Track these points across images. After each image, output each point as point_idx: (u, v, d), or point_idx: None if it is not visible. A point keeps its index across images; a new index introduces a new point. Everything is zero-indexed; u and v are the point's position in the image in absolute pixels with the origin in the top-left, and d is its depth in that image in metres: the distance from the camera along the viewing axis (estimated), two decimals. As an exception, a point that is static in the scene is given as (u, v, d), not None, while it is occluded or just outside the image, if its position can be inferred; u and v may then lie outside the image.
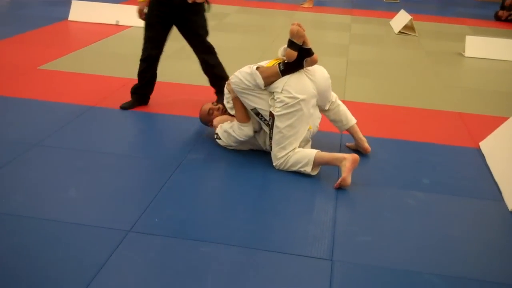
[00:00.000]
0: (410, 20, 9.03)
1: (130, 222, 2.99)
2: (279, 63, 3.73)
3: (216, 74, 4.89)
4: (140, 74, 4.83)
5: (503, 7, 11.47)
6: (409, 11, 9.72)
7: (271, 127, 3.73)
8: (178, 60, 6.43)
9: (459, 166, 4.02)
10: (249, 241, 2.89)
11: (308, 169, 3.66)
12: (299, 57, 3.68)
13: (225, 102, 4.03)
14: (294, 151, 3.70)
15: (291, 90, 3.65)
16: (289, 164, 3.70)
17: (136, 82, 4.87)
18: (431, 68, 6.91)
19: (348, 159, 3.59)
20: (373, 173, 3.80)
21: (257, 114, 3.79)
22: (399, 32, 9.10)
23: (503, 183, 3.67)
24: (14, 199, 3.17)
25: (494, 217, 3.35)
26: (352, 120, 4.17)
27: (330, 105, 4.11)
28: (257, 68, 3.73)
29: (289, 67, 3.70)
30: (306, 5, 11.54)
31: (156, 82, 4.98)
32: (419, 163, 4.02)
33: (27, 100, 4.83)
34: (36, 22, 8.14)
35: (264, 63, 3.85)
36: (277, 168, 3.75)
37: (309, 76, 3.77)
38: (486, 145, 4.27)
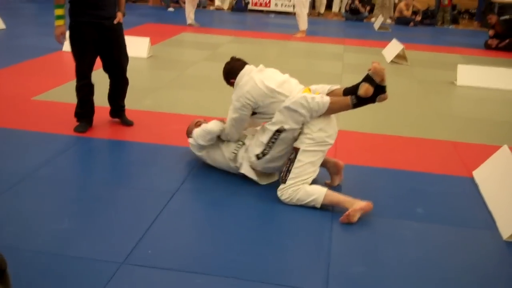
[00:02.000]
0: (402, 50, 9.14)
1: (124, 254, 2.98)
2: (351, 96, 3.74)
3: (120, 104, 5.16)
4: (84, 99, 4.91)
5: (493, 36, 11.63)
6: (401, 40, 9.85)
7: (291, 160, 3.70)
8: (172, 90, 6.46)
9: (453, 196, 4.03)
10: (244, 272, 2.88)
11: (317, 205, 3.63)
12: (374, 93, 3.73)
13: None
14: (304, 185, 3.67)
15: (328, 131, 3.71)
16: (295, 197, 3.66)
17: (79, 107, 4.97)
18: (424, 97, 6.97)
19: (358, 203, 3.54)
20: (367, 196, 3.80)
21: (279, 132, 3.74)
22: (392, 61, 9.20)
23: (497, 212, 3.69)
24: (7, 231, 3.16)
25: (488, 246, 3.35)
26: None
27: None
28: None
29: (362, 101, 3.74)
30: (298, 35, 11.66)
31: (151, 112, 5.01)
32: (413, 193, 4.03)
33: (21, 131, 4.83)
34: (30, 53, 8.18)
35: (298, 89, 3.87)
36: (282, 198, 3.69)
37: (336, 121, 3.85)
38: (480, 174, 4.30)
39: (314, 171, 3.73)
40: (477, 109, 6.54)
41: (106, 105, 5.30)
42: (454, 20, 16.15)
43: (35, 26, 11.46)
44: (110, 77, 5.08)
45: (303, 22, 11.66)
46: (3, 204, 3.49)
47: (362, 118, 5.83)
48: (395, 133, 5.39)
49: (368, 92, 3.71)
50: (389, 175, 4.35)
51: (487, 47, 11.56)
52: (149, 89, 6.47)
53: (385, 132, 5.41)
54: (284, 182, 3.70)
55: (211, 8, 16.78)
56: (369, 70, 3.73)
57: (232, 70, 4.05)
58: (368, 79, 3.72)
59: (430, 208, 3.78)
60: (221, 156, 4.09)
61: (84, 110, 4.96)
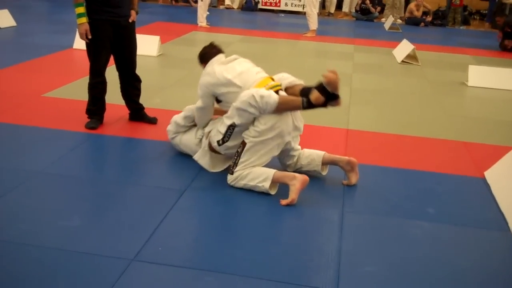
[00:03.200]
0: (413, 50, 9.11)
1: (134, 251, 2.98)
2: (303, 98, 3.76)
3: (138, 105, 5.20)
4: (97, 96, 4.95)
5: (504, 38, 11.53)
6: (411, 40, 9.81)
7: (238, 154, 3.82)
8: (182, 88, 6.47)
9: (464, 196, 4.01)
10: (253, 271, 2.88)
11: (266, 185, 3.71)
12: (326, 99, 3.75)
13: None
14: (252, 168, 3.79)
15: (279, 127, 3.75)
16: (246, 179, 3.76)
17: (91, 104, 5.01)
18: (434, 97, 6.94)
19: (298, 179, 3.66)
20: (377, 202, 3.80)
21: (232, 127, 3.83)
22: (402, 61, 9.17)
23: (509, 213, 3.66)
24: (17, 227, 3.17)
25: (500, 248, 3.33)
26: (320, 152, 4.14)
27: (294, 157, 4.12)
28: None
29: (313, 106, 3.76)
30: (309, 35, 11.64)
31: (161, 110, 5.02)
32: (424, 193, 4.01)
33: (31, 128, 4.85)
34: (40, 50, 8.21)
35: (255, 79, 3.92)
36: (230, 183, 3.82)
37: (294, 122, 3.88)
38: (491, 175, 4.27)
39: (262, 163, 3.83)
40: (489, 110, 6.51)
41: (117, 102, 5.31)
42: (465, 21, 16.07)
43: (45, 23, 11.52)
44: (121, 75, 5.10)
45: (313, 21, 11.64)
46: (13, 200, 3.51)
47: (372, 118, 5.82)
48: (406, 133, 5.36)
49: (318, 101, 3.74)
50: (400, 175, 4.33)
51: (503, 48, 11.46)
52: (158, 87, 6.48)
53: (395, 131, 5.39)
54: (232, 174, 3.83)
55: (221, 7, 16.78)
56: (322, 79, 3.76)
57: (205, 56, 4.25)
58: (321, 88, 3.74)
59: (441, 208, 3.77)
60: (191, 141, 4.24)
61: (96, 108, 4.99)
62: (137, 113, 5.21)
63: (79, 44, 8.47)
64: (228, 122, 3.84)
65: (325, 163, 4.13)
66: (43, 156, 4.21)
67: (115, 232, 3.18)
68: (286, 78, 4.07)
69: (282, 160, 4.12)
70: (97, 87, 4.93)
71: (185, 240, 3.15)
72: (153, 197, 3.66)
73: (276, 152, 3.89)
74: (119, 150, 4.62)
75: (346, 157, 4.08)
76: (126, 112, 5.28)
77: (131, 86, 5.13)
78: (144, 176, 4.01)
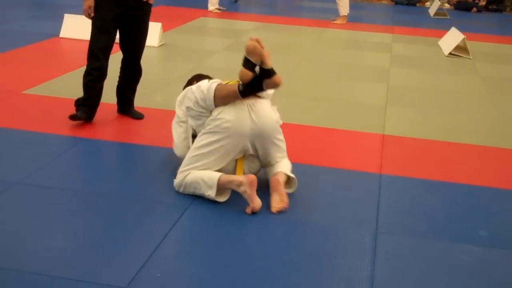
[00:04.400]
0: (463, 40, 9.06)
1: (127, 277, 2.99)
2: (239, 83, 3.81)
3: (128, 97, 5.35)
4: (89, 84, 5.00)
5: None
6: (461, 29, 9.76)
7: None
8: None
9: (523, 216, 3.98)
10: (269, 302, 2.88)
11: (212, 194, 3.76)
12: (257, 78, 3.75)
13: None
14: (195, 172, 3.84)
15: (225, 117, 3.79)
16: (191, 187, 3.84)
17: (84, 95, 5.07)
18: (488, 97, 6.90)
19: (245, 184, 3.70)
20: (418, 222, 3.78)
21: (194, 136, 4.00)
22: (450, 53, 9.12)
23: None
24: (-9, 248, 3.20)
25: None
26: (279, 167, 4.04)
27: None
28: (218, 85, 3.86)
29: (248, 89, 3.78)
30: (338, 21, 11.63)
31: (162, 110, 5.04)
32: (474, 211, 3.99)
33: (9, 130, 4.90)
34: (22, 39, 8.27)
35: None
36: (176, 189, 3.92)
37: (251, 114, 3.86)
38: (556, 191, 4.23)
39: (208, 163, 3.86)
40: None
41: (112, 101, 5.35)
42: (526, 6, 15.97)
43: (26, 8, 11.60)
44: (123, 64, 5.25)
45: (344, 6, 11.63)
46: (-13, 215, 3.54)
47: (413, 121, 5.81)
48: (453, 139, 5.34)
49: (244, 76, 3.73)
50: (446, 190, 4.31)
51: None
52: (159, 83, 6.51)
53: (441, 138, 5.37)
54: (175, 177, 3.96)
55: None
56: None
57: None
58: (244, 61, 3.74)
59: (495, 230, 3.74)
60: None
61: (88, 96, 5.02)
62: (123, 106, 5.33)
63: (67, 32, 8.54)
64: (189, 132, 4.06)
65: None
66: (22, 164, 4.24)
67: (106, 254, 3.19)
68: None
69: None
70: (91, 74, 4.99)
71: (187, 265, 3.15)
72: (151, 213, 3.67)
73: (227, 157, 3.91)
74: (112, 157, 4.65)
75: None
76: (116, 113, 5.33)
77: (129, 78, 5.26)
78: (141, 188, 4.02)
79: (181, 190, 3.91)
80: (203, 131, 3.88)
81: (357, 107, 6.16)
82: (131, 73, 5.26)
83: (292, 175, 3.99)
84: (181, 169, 3.93)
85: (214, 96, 3.78)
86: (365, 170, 4.47)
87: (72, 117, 4.95)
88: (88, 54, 4.99)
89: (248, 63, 3.73)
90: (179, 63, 7.53)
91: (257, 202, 3.71)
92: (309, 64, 8.00)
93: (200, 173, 3.83)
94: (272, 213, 3.73)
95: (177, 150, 4.22)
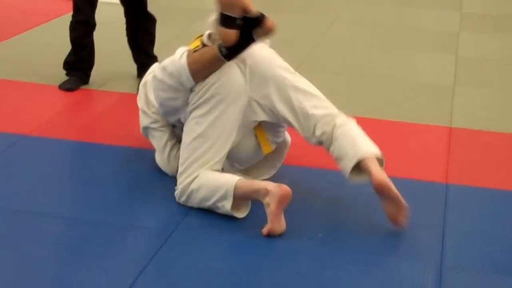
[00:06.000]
0: None
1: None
2: (219, 45, 3.83)
3: (148, 51, 5.85)
4: (78, 41, 5.44)
5: None
6: None
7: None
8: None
9: None
10: None
11: (227, 206, 3.76)
12: (243, 31, 3.78)
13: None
14: (204, 174, 3.86)
15: (209, 80, 3.86)
16: (198, 198, 3.87)
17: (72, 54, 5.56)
18: None
19: (273, 195, 3.64)
20: (501, 252, 3.78)
21: (173, 126, 4.18)
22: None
23: None
24: None
25: None
26: (362, 150, 3.91)
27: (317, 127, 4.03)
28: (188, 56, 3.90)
29: (235, 49, 3.82)
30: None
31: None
32: None
33: None
34: None
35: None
36: (178, 201, 3.99)
37: (239, 66, 3.94)
38: None
39: (213, 145, 3.91)
40: None
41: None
42: None
43: None
44: (127, 12, 5.69)
45: None
46: None
47: (492, 108, 5.81)
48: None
49: (228, 38, 3.78)
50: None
51: None
52: (130, 55, 6.51)
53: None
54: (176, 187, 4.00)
55: None
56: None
57: None
58: (222, 18, 3.79)
59: None
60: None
61: (78, 58, 5.45)
62: (142, 67, 5.49)
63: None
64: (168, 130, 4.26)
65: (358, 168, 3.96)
66: None
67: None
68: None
69: None
70: (78, 29, 5.45)
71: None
72: (122, 242, 3.71)
73: (233, 130, 3.96)
74: (68, 163, 4.67)
75: (378, 176, 3.79)
76: (77, 99, 5.36)
77: (140, 28, 5.66)
78: (112, 208, 4.06)
79: (183, 200, 3.95)
80: (189, 110, 3.94)
81: (413, 88, 6.17)
82: (142, 24, 5.71)
83: (378, 152, 3.90)
84: (181, 169, 3.94)
85: (191, 74, 3.84)
86: (425, 178, 4.48)
87: (66, 87, 5.39)
88: (73, 5, 5.47)
89: (227, 20, 3.76)
90: (159, 27, 7.49)
91: (280, 224, 3.69)
92: (343, 27, 7.98)
93: (212, 176, 3.86)
94: (278, 242, 3.75)
95: (166, 166, 4.32)
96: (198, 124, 3.90)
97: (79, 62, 5.58)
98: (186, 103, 3.95)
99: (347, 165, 3.88)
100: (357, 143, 3.90)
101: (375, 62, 6.81)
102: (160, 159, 4.32)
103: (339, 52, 7.05)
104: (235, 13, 3.74)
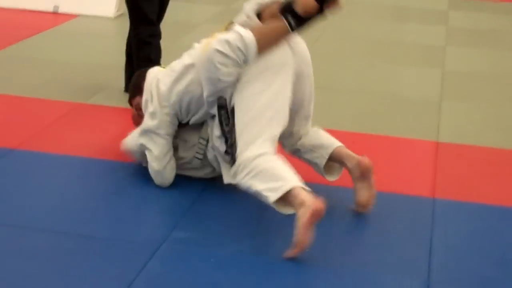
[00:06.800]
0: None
1: None
2: (287, 17, 3.87)
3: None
4: (149, 57, 5.45)
5: None
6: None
7: (230, 127, 3.96)
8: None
9: None
10: None
11: (272, 197, 3.71)
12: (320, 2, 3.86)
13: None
14: (272, 157, 3.83)
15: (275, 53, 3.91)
16: (255, 176, 3.78)
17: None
18: None
19: (306, 207, 3.61)
20: (489, 266, 3.77)
21: (222, 107, 4.00)
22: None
23: None
24: None
25: None
26: (333, 142, 4.28)
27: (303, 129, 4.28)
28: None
29: (304, 20, 3.89)
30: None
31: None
32: None
33: None
34: None
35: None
36: (233, 177, 3.94)
37: (290, 44, 4.00)
38: None
39: (276, 112, 3.91)
40: None
41: (51, 97, 5.36)
42: None
43: None
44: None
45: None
46: None
47: (479, 122, 5.81)
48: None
49: (308, 6, 3.84)
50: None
51: None
52: (117, 69, 6.49)
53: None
54: (232, 161, 3.95)
55: None
56: None
57: (137, 84, 4.54)
58: None
59: None
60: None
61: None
62: None
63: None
64: (215, 105, 4.02)
65: (334, 159, 4.23)
66: None
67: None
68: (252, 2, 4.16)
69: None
70: (149, 44, 5.48)
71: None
72: (112, 255, 3.69)
73: (288, 94, 3.98)
74: (53, 177, 4.65)
75: (357, 156, 4.13)
76: (65, 111, 5.35)
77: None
78: (99, 222, 4.06)
79: (239, 176, 3.86)
80: (241, 84, 3.93)
81: (399, 102, 6.18)
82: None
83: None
84: (246, 144, 3.86)
85: (258, 48, 3.86)
86: (412, 193, 4.48)
87: None
88: (136, 18, 5.53)
89: None
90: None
91: (306, 238, 3.63)
92: (330, 41, 8.00)
93: (278, 164, 3.82)
94: (274, 258, 3.72)
95: (159, 175, 4.30)
96: (257, 98, 3.89)
97: None
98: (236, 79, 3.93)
99: (325, 152, 4.18)
100: (330, 138, 4.26)
101: (361, 77, 6.83)
102: (156, 166, 4.27)
103: (326, 67, 7.04)
104: None
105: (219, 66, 3.88)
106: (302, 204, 3.63)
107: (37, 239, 3.81)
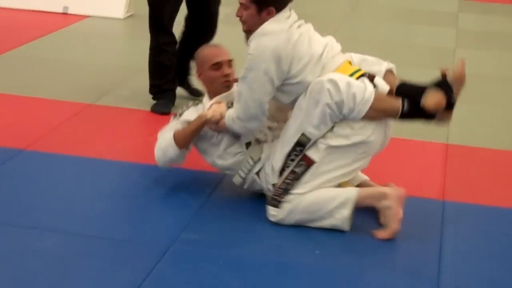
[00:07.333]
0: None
1: None
2: (404, 99, 3.87)
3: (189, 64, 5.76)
4: (165, 63, 5.47)
5: None
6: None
7: (296, 175, 3.89)
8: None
9: None
10: None
11: (345, 213, 3.82)
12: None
13: None
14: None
15: (366, 133, 3.88)
16: (306, 209, 3.87)
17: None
18: None
19: (393, 197, 3.83)
20: (500, 270, 3.76)
21: (301, 145, 3.90)
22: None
23: None
24: None
25: None
26: (362, 176, 4.33)
27: None
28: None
29: (416, 114, 3.91)
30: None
31: (130, 110, 5.10)
32: None
33: None
34: None
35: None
36: (277, 219, 3.94)
37: (385, 130, 4.03)
38: None
39: (332, 180, 3.96)
40: None
41: (57, 97, 5.35)
42: None
43: None
44: (191, 26, 5.66)
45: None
46: None
47: (490, 124, 5.80)
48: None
49: (439, 105, 3.84)
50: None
51: None
52: (127, 70, 6.51)
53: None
54: (277, 206, 3.93)
55: None
56: (443, 73, 3.95)
57: None
58: (444, 86, 3.88)
59: None
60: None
61: (165, 80, 5.50)
62: (183, 77, 5.79)
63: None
64: (294, 138, 3.92)
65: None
66: None
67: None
68: (373, 64, 4.19)
69: None
70: (165, 51, 5.46)
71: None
72: (121, 257, 3.69)
73: (356, 172, 4.08)
74: (63, 177, 4.65)
75: (380, 189, 4.09)
76: (74, 112, 5.35)
77: (201, 38, 5.51)
78: (109, 223, 4.06)
79: (282, 219, 3.93)
80: (332, 137, 3.88)
81: (410, 104, 6.16)
82: (205, 36, 5.60)
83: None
84: (293, 194, 3.90)
85: (369, 108, 3.82)
86: (422, 195, 4.46)
87: (158, 110, 5.44)
88: (152, 25, 5.50)
89: (448, 90, 3.88)
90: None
91: (398, 227, 3.82)
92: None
93: (319, 191, 3.89)
94: (288, 258, 3.74)
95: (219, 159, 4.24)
96: (336, 169, 3.90)
97: (167, 84, 5.57)
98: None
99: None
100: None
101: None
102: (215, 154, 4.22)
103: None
104: (455, 89, 3.93)
105: (322, 96, 3.79)
106: (384, 197, 3.86)
107: (46, 240, 3.81)
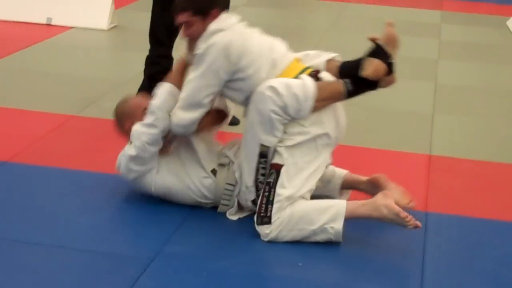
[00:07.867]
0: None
1: None
2: (344, 80, 3.92)
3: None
4: (157, 76, 5.29)
5: None
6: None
7: (270, 185, 3.91)
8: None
9: None
10: None
11: (337, 226, 3.82)
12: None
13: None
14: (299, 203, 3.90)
15: (324, 122, 3.95)
16: (296, 225, 3.86)
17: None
18: None
19: (389, 208, 3.86)
20: (481, 281, 3.78)
21: (263, 156, 3.95)
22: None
23: None
24: None
25: None
26: (341, 171, 4.42)
27: None
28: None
29: (360, 87, 3.94)
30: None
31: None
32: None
33: None
34: None
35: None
36: (269, 238, 3.90)
37: (336, 119, 4.06)
38: None
39: (310, 190, 3.98)
40: None
41: (42, 109, 5.34)
42: None
43: None
44: None
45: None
46: None
47: (473, 135, 5.83)
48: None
49: (378, 71, 3.88)
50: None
51: None
52: (110, 82, 6.51)
53: (510, 159, 5.39)
54: (268, 222, 3.89)
55: None
56: (374, 39, 4.05)
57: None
58: (378, 51, 3.94)
59: None
60: (185, 181, 4.22)
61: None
62: None
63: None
64: (255, 151, 3.97)
65: (346, 186, 4.37)
66: None
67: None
68: (314, 57, 4.27)
69: None
70: (158, 63, 5.50)
71: None
72: (104, 270, 3.68)
73: (324, 165, 4.06)
74: (45, 190, 4.64)
75: (365, 177, 4.29)
76: (57, 124, 5.34)
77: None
78: (91, 236, 4.04)
79: (274, 237, 3.91)
80: (290, 137, 3.92)
81: (392, 116, 6.19)
82: None
83: None
84: (275, 209, 3.89)
85: (314, 103, 3.86)
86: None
87: None
88: (150, 37, 5.55)
89: (383, 55, 3.91)
90: (136, 53, 7.44)
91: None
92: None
93: (308, 204, 3.91)
94: (272, 272, 3.76)
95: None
96: (302, 169, 3.91)
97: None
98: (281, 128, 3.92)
99: (336, 184, 4.35)
100: (334, 169, 4.45)
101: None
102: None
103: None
104: (389, 50, 3.96)
105: (267, 104, 3.86)
106: (378, 207, 3.89)
107: (28, 253, 3.80)
